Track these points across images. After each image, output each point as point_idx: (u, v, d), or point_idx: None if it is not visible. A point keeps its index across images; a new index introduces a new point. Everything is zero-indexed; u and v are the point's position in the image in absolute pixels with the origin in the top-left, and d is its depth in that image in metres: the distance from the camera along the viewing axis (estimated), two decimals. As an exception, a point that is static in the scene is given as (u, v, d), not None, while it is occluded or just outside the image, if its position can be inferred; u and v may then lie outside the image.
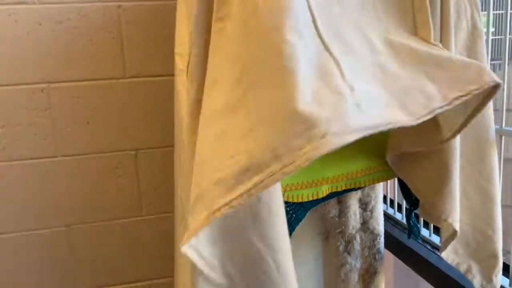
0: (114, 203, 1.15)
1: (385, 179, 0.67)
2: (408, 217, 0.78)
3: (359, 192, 0.79)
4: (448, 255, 0.70)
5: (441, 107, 0.48)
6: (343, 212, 0.80)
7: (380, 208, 0.83)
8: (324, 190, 0.65)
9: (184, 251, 0.55)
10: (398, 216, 1.01)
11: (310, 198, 0.64)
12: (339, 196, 0.73)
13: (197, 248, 0.57)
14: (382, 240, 0.86)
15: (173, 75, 1.13)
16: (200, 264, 0.57)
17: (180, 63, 0.67)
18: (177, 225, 0.78)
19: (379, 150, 0.65)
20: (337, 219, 0.80)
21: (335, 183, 0.65)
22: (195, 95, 0.58)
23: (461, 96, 0.48)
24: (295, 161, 0.42)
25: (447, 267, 0.78)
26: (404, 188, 0.79)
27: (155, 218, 1.19)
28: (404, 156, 0.64)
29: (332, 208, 0.79)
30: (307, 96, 0.44)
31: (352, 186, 0.66)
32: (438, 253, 0.85)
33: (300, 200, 0.62)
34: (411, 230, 0.78)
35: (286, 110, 0.43)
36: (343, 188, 0.65)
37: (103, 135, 1.12)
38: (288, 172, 0.43)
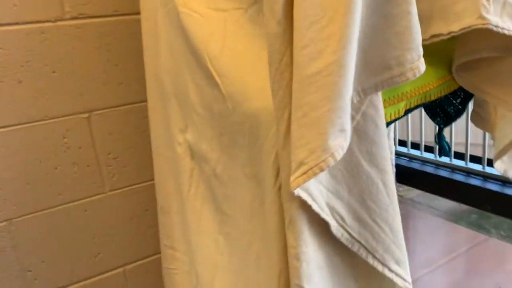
0: (68, 182, 0.92)
1: (450, 89, 0.63)
2: (439, 136, 0.76)
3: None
4: (496, 165, 0.69)
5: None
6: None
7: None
8: (402, 108, 0.57)
9: (297, 194, 0.44)
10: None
11: (393, 118, 0.56)
12: (408, 114, 0.66)
13: (308, 189, 0.45)
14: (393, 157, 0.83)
15: (130, 13, 0.93)
16: (315, 207, 0.45)
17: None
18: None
19: (445, 60, 0.60)
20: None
21: (410, 99, 0.58)
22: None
23: None
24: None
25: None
26: (431, 110, 0.77)
27: (121, 192, 0.98)
28: (471, 63, 0.59)
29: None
30: None
31: (423, 101, 0.60)
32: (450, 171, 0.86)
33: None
34: (442, 148, 0.76)
35: None
36: (416, 103, 0.59)
37: (42, 96, 0.86)
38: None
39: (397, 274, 0.55)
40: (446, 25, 0.50)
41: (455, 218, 2.74)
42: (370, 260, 0.53)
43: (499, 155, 0.68)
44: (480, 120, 0.68)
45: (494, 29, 0.50)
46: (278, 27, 0.44)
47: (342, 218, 0.51)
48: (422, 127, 0.93)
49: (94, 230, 0.97)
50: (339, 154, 0.42)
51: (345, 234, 0.51)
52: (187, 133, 0.73)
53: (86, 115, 0.91)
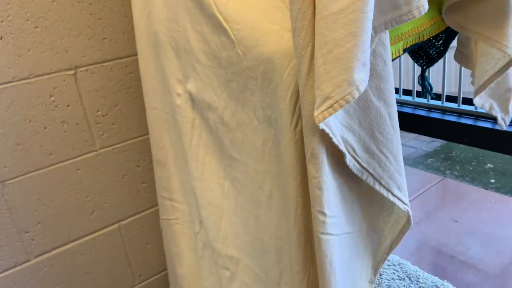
0: (58, 141, 0.91)
1: (440, 29, 0.67)
2: (422, 77, 0.82)
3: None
4: (475, 100, 0.77)
5: None
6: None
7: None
8: (401, 47, 0.62)
9: (322, 127, 0.48)
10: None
11: (394, 56, 0.60)
12: (406, 52, 0.71)
13: (328, 124, 0.49)
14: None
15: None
16: (334, 140, 0.50)
17: None
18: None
19: (436, 2, 0.64)
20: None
21: (407, 39, 0.62)
22: None
23: None
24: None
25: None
26: (415, 54, 0.82)
27: (112, 150, 0.98)
28: (459, 4, 0.64)
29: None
30: None
31: (417, 41, 0.64)
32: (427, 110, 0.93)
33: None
34: (425, 88, 0.82)
35: None
36: (412, 43, 0.63)
37: (25, 53, 0.83)
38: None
39: (399, 199, 0.61)
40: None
41: (412, 162, 2.91)
42: (377, 187, 0.59)
43: (479, 90, 0.75)
44: (463, 58, 0.74)
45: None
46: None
47: (354, 150, 0.56)
48: (401, 72, 0.99)
49: (88, 189, 0.97)
50: (363, 87, 0.46)
51: (356, 165, 0.57)
52: (189, 83, 0.74)
53: (72, 72, 0.89)
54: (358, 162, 0.57)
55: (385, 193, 0.60)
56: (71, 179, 0.94)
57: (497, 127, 0.84)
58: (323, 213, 0.54)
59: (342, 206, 0.59)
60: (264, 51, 0.56)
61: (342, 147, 0.53)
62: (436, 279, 1.28)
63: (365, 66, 0.46)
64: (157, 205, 1.08)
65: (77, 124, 0.92)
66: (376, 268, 0.69)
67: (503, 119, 0.78)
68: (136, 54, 0.96)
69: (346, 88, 0.45)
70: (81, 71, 0.90)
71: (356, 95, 0.45)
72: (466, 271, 1.52)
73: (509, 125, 0.80)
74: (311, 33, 0.48)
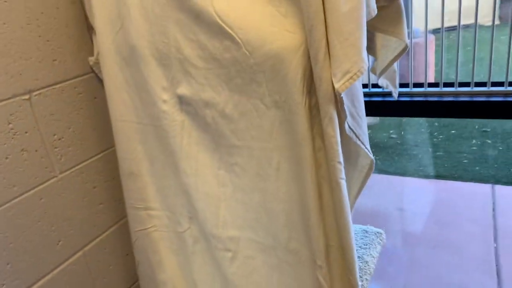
0: (20, 171, 0.85)
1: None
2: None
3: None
4: (380, 81, 1.06)
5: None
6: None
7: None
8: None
9: (342, 95, 0.67)
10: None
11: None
12: None
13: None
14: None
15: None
16: (345, 106, 0.69)
17: None
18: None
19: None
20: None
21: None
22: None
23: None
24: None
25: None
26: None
27: (70, 174, 0.96)
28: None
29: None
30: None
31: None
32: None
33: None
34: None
35: None
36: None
37: (-22, 80, 0.77)
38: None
39: (369, 151, 0.84)
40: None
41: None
42: (358, 142, 0.80)
43: (381, 73, 1.04)
44: (369, 50, 1.02)
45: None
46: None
47: (346, 116, 0.75)
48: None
49: (52, 218, 0.92)
50: (367, 63, 0.66)
51: (347, 125, 0.76)
52: (180, 88, 0.83)
53: (27, 96, 0.85)
54: (348, 124, 0.76)
55: (362, 146, 0.81)
56: (36, 210, 0.88)
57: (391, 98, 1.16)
58: (340, 163, 0.72)
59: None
60: (273, 48, 0.72)
61: (347, 111, 0.72)
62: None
63: (365, 49, 0.66)
64: (114, 225, 1.08)
65: (36, 151, 0.88)
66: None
67: (393, 92, 1.10)
68: (84, 74, 0.97)
69: (361, 64, 0.65)
70: (35, 95, 0.87)
71: (366, 68, 0.65)
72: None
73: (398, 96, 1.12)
74: (324, 28, 0.66)
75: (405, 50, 0.96)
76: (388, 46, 0.99)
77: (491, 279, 1.75)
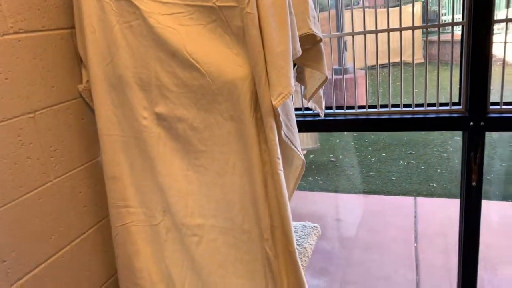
0: (25, 174, 1.05)
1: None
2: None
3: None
4: (309, 104, 1.38)
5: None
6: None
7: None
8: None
9: (278, 110, 0.96)
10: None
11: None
12: None
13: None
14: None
15: (55, 28, 1.13)
16: (279, 118, 0.98)
17: None
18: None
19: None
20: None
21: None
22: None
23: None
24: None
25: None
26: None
27: (61, 179, 1.16)
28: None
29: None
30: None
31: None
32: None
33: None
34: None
35: None
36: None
37: (-3, 101, 0.98)
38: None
39: (301, 154, 1.13)
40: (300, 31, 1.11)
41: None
42: (292, 146, 1.09)
43: (310, 98, 1.36)
44: (300, 80, 1.33)
45: (313, 32, 1.14)
46: (257, 33, 0.93)
47: (282, 125, 1.04)
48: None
49: (48, 215, 1.11)
50: (294, 87, 0.96)
51: (283, 133, 1.05)
52: (158, 107, 1.08)
53: (32, 115, 1.07)
54: (284, 132, 1.05)
55: (295, 149, 1.10)
56: (35, 208, 1.08)
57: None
58: (279, 158, 1.00)
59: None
60: (229, 77, 1.00)
61: (283, 122, 1.01)
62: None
63: (293, 78, 0.96)
64: (95, 225, 1.28)
65: (38, 159, 1.08)
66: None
67: (320, 113, 1.42)
68: (74, 99, 1.20)
69: (289, 88, 0.94)
70: (38, 114, 1.08)
71: (293, 91, 0.95)
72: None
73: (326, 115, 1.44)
74: (264, 64, 0.95)
75: (325, 81, 1.28)
76: (314, 77, 1.31)
77: (411, 272, 2.10)
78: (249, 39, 0.95)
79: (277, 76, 0.94)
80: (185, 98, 1.05)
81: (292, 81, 0.96)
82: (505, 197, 2.89)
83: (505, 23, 1.26)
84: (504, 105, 1.32)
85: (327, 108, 1.54)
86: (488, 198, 2.85)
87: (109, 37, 1.07)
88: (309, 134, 3.04)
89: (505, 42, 1.31)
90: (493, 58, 1.30)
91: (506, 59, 1.39)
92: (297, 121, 1.22)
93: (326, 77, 1.27)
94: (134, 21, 1.04)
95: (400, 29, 1.45)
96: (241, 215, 1.10)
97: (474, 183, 1.24)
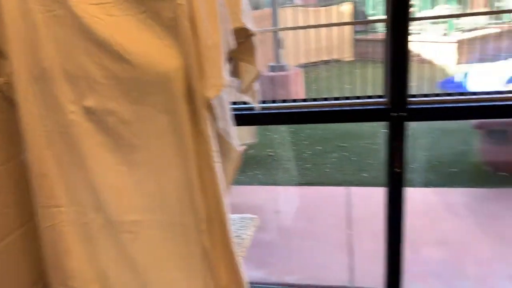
0: None
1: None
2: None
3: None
4: (244, 98, 1.40)
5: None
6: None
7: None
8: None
9: (212, 101, 0.97)
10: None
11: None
12: None
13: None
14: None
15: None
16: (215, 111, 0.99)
17: None
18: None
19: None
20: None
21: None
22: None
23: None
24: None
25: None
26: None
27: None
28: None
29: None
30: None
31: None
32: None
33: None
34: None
35: None
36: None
37: None
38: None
39: (236, 146, 1.15)
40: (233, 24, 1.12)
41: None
42: (228, 139, 1.10)
43: (244, 92, 1.38)
44: (235, 73, 1.35)
45: (245, 26, 1.16)
46: (189, 24, 0.93)
47: (217, 118, 1.05)
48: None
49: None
50: (226, 80, 0.96)
51: (219, 126, 1.06)
52: (86, 100, 1.04)
53: None
54: (219, 124, 1.06)
55: (231, 141, 1.12)
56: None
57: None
58: (214, 150, 1.01)
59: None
60: (161, 69, 0.98)
61: (217, 114, 1.02)
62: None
63: (226, 70, 0.97)
64: (21, 227, 1.21)
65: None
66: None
67: (255, 106, 1.45)
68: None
69: (222, 80, 0.95)
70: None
71: (226, 84, 0.96)
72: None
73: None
74: (196, 56, 0.95)
75: (258, 74, 1.31)
76: (248, 71, 1.33)
77: (347, 257, 2.20)
78: (181, 30, 0.94)
79: (210, 67, 0.95)
80: (116, 91, 1.02)
81: (225, 73, 0.97)
82: (426, 184, 3.12)
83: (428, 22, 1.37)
84: (422, 97, 1.43)
85: (263, 102, 1.58)
86: (413, 186, 3.07)
87: (31, 26, 1.01)
88: (246, 129, 3.09)
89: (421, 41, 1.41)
90: (419, 57, 1.40)
91: (424, 56, 1.50)
92: (233, 114, 1.24)
93: (258, 71, 1.29)
94: (59, 10, 0.99)
95: (330, 25, 1.52)
96: (177, 208, 1.09)
97: (397, 170, 1.33)
